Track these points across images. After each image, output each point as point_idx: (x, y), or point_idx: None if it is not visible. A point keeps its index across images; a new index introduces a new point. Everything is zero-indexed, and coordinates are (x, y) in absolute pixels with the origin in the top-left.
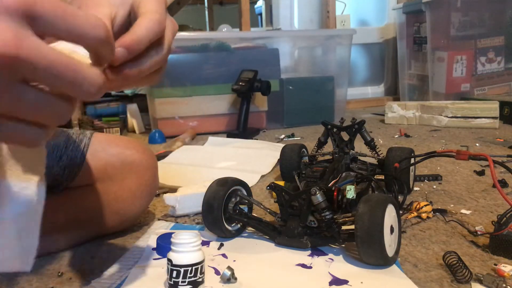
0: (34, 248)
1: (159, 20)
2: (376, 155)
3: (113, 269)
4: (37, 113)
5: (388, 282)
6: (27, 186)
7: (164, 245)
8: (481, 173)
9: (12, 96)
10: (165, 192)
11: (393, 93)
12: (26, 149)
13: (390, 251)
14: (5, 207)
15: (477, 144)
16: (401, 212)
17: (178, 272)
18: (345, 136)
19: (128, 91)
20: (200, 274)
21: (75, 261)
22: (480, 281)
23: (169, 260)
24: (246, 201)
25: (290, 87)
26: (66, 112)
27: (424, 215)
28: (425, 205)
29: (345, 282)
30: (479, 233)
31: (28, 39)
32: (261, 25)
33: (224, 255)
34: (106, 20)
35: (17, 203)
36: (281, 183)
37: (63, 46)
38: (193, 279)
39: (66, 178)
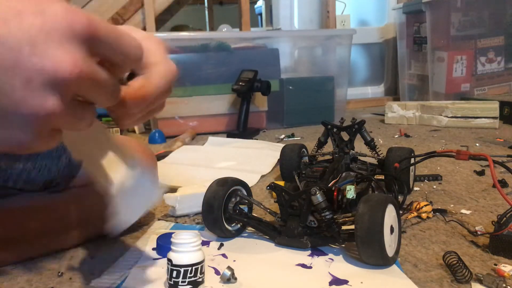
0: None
1: (172, 70)
2: (376, 155)
3: (113, 269)
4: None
5: (388, 282)
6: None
7: (164, 245)
8: (481, 173)
9: (70, 110)
10: (165, 192)
11: (393, 93)
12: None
13: (390, 251)
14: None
15: (477, 144)
16: (401, 212)
17: (178, 272)
18: (345, 136)
19: None
20: (200, 274)
21: (75, 261)
22: (480, 281)
23: (169, 260)
24: (246, 201)
25: (290, 87)
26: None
27: (424, 215)
28: (425, 205)
29: (345, 282)
30: (479, 233)
31: (90, 61)
32: (261, 25)
33: (224, 255)
34: None
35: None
36: (281, 183)
37: None
38: (193, 279)
39: (66, 178)
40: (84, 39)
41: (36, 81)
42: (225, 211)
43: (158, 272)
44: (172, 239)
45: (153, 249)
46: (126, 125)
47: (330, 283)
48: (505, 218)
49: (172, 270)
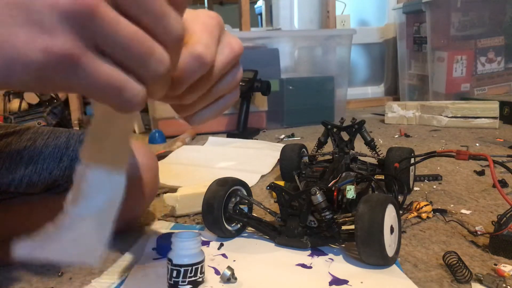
0: (105, 243)
1: (201, 55)
2: (376, 155)
3: (113, 269)
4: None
5: (388, 282)
6: (116, 177)
7: (164, 245)
8: (481, 173)
9: (87, 59)
10: (165, 192)
11: (393, 93)
12: (114, 132)
13: (390, 251)
14: (91, 200)
15: (477, 144)
16: (401, 212)
17: (178, 272)
18: (345, 136)
19: None
20: (200, 274)
21: None
22: (480, 281)
23: (169, 260)
24: (246, 201)
25: (290, 87)
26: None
27: (424, 215)
28: (425, 205)
29: (345, 282)
30: (479, 233)
31: (106, 5)
32: (261, 25)
33: (224, 255)
34: None
35: (104, 195)
36: (281, 183)
37: None
38: (193, 278)
39: (67, 180)
40: None
41: (49, 15)
42: (225, 211)
43: (158, 272)
44: (172, 239)
45: (153, 249)
46: (198, 120)
47: (330, 283)
48: (505, 218)
49: (172, 270)
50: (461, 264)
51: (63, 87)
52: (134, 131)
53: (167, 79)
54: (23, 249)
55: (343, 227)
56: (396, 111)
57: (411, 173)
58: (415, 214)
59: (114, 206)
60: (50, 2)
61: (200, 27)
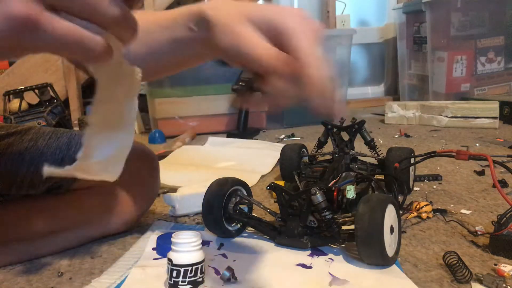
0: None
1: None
2: (376, 155)
3: (113, 269)
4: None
5: (388, 282)
6: (123, 135)
7: (164, 245)
8: (481, 173)
9: (46, 22)
10: (165, 192)
11: (393, 93)
12: (119, 94)
13: (390, 251)
14: (101, 152)
15: (477, 144)
16: (401, 212)
17: (178, 272)
18: (345, 136)
19: None
20: (200, 274)
21: (75, 261)
22: (480, 281)
23: (169, 260)
24: (246, 201)
25: None
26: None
27: (424, 215)
28: (425, 205)
29: (345, 282)
30: (479, 233)
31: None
32: None
33: (224, 255)
34: None
35: (112, 149)
36: (281, 183)
37: None
38: (193, 278)
39: (68, 181)
40: None
41: None
42: (225, 211)
43: (158, 272)
44: (172, 239)
45: (153, 249)
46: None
47: (330, 283)
48: (505, 218)
49: (172, 270)
50: (461, 264)
51: (31, 48)
52: (135, 131)
53: (126, 19)
54: (50, 169)
55: (343, 227)
56: (396, 111)
57: (411, 173)
58: (415, 214)
59: (124, 154)
60: None
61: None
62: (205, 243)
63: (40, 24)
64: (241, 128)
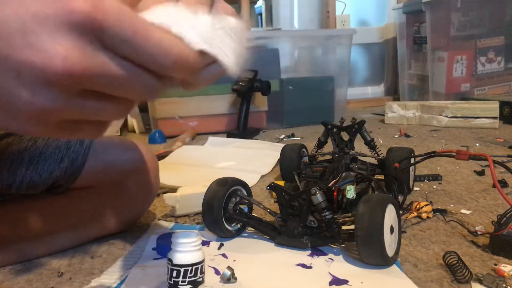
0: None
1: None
2: (376, 155)
3: (113, 269)
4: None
5: (388, 282)
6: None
7: (164, 245)
8: (481, 173)
9: (74, 106)
10: (165, 192)
11: (393, 93)
12: None
13: (390, 251)
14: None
15: (477, 144)
16: (401, 212)
17: (178, 272)
18: (345, 136)
19: None
20: (200, 274)
21: (75, 261)
22: (480, 281)
23: (169, 260)
24: (246, 201)
25: (290, 87)
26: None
27: (424, 215)
28: (425, 205)
29: (345, 282)
30: (479, 233)
31: (94, 56)
32: (261, 25)
33: (224, 255)
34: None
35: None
36: (281, 183)
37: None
38: (193, 278)
39: (68, 180)
40: (85, 29)
41: (26, 75)
42: (225, 211)
43: (158, 272)
44: (172, 239)
45: (153, 249)
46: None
47: (330, 283)
48: (505, 218)
49: (172, 270)
50: (461, 264)
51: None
52: (134, 131)
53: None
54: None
55: (343, 227)
56: (396, 111)
57: (411, 173)
58: (415, 214)
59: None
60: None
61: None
62: (205, 243)
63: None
64: (241, 128)
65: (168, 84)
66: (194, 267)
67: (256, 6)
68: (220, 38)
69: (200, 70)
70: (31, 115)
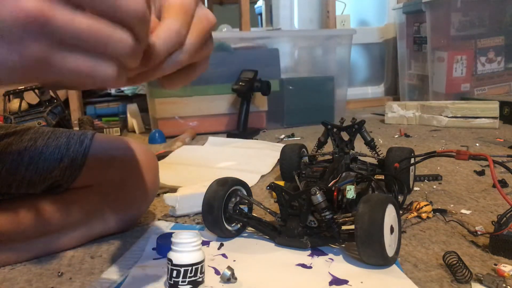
0: None
1: (178, 31)
2: (376, 155)
3: (113, 269)
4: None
5: (388, 282)
6: None
7: (164, 245)
8: (481, 173)
9: (58, 57)
10: (165, 192)
11: (393, 93)
12: None
13: (390, 251)
14: None
15: (477, 144)
16: (401, 212)
17: (178, 272)
18: (345, 136)
19: (128, 91)
20: (200, 274)
21: (75, 261)
22: (480, 281)
23: (169, 260)
24: (246, 201)
25: (290, 87)
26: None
27: (424, 215)
28: (425, 205)
29: (345, 282)
30: (479, 233)
31: (59, 7)
32: (261, 25)
33: (224, 255)
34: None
35: None
36: (281, 183)
37: None
38: (193, 278)
39: (67, 180)
40: None
41: (6, 34)
42: (225, 211)
43: (158, 272)
44: (172, 239)
45: (153, 249)
46: (169, 84)
47: (330, 283)
48: (505, 218)
49: (172, 270)
50: (461, 264)
51: (44, 81)
52: (134, 131)
53: (136, 52)
54: None
55: (343, 227)
56: (396, 111)
57: (411, 173)
58: (415, 214)
59: None
60: (12, 18)
61: (177, 2)
62: (205, 243)
63: (51, 62)
64: (241, 128)
65: (140, 46)
66: (194, 267)
67: (256, 6)
68: None
69: (164, 59)
70: (28, 68)
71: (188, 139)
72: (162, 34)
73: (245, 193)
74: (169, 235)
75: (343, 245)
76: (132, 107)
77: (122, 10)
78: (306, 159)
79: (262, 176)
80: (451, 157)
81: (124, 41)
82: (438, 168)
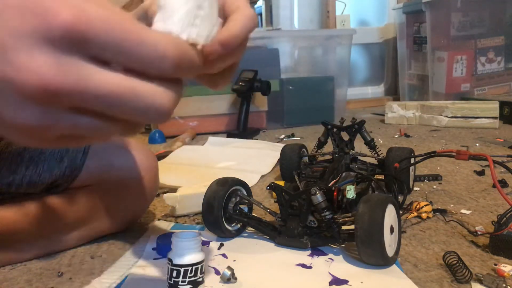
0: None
1: (253, 17)
2: (376, 155)
3: (113, 269)
4: (97, 133)
5: (388, 282)
6: None
7: (164, 245)
8: (481, 173)
9: (66, 124)
10: (165, 192)
11: (393, 93)
12: None
13: (390, 251)
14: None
15: (477, 144)
16: (401, 212)
17: (178, 272)
18: (345, 136)
19: None
20: (200, 274)
21: (75, 261)
22: (480, 281)
23: (169, 260)
24: (246, 201)
25: (290, 87)
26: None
27: (424, 215)
28: (425, 205)
29: (345, 282)
30: (479, 233)
31: (73, 69)
32: (261, 25)
33: (224, 255)
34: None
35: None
36: (281, 183)
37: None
38: (193, 279)
39: (67, 179)
40: (64, 44)
41: (6, 92)
42: (225, 211)
43: (158, 272)
44: (172, 239)
45: (153, 249)
46: (213, 85)
47: (330, 283)
48: (505, 218)
49: (172, 270)
50: (461, 264)
51: (69, 124)
52: None
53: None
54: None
55: (343, 227)
56: (396, 111)
57: (411, 173)
58: (415, 214)
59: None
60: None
61: (241, 18)
62: (205, 243)
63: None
64: (241, 128)
65: (180, 88)
66: (194, 267)
67: (256, 6)
68: (200, 19)
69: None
70: (20, 131)
71: (188, 139)
72: (240, 19)
73: (245, 193)
74: (169, 235)
75: (343, 245)
76: None
77: (160, 66)
78: (306, 159)
79: (262, 176)
80: (451, 157)
81: (162, 103)
82: (438, 168)
